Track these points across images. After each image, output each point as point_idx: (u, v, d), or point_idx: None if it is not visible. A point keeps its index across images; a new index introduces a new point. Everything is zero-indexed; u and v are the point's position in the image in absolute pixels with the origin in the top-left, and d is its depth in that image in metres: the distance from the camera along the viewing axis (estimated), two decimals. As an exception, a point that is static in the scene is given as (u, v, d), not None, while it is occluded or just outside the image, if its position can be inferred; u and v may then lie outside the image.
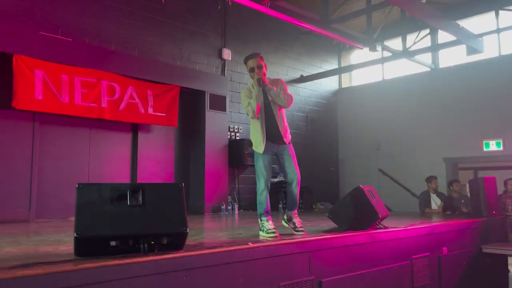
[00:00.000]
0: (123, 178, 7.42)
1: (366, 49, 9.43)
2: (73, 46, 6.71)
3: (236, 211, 8.24)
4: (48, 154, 6.68)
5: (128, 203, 2.81)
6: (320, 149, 10.86)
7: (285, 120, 4.15)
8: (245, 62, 4.08)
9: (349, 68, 11.08)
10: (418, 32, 9.33)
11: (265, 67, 4.04)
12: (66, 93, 6.47)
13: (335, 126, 11.53)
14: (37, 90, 6.18)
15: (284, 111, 4.14)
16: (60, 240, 3.75)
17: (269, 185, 4.04)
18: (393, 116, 10.29)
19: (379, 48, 8.92)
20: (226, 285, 3.04)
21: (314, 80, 10.90)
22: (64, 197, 6.50)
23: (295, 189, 4.06)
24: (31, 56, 6.17)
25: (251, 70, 4.01)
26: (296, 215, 4.13)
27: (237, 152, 8.70)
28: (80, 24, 6.94)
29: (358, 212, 4.40)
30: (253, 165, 9.57)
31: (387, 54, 10.00)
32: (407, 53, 9.20)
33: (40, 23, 6.47)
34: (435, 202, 7.87)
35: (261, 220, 4.00)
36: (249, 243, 3.32)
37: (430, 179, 7.93)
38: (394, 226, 4.74)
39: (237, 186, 8.93)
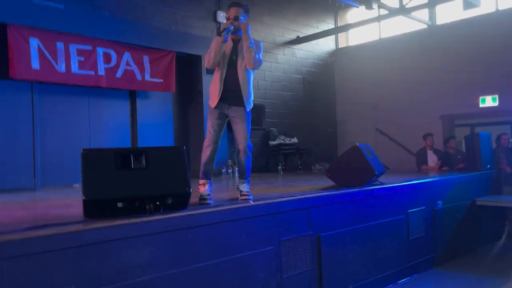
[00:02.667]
0: (124, 144, 7.52)
1: (362, 8, 9.31)
2: (66, 13, 6.62)
3: (237, 174, 8.38)
4: (49, 124, 6.75)
5: (132, 166, 2.91)
6: (318, 110, 10.91)
7: (250, 85, 3.76)
8: (228, 9, 3.77)
9: (346, 28, 10.96)
10: (415, -12, 9.17)
11: (245, 22, 3.75)
12: (63, 61, 6.46)
13: (333, 87, 11.53)
14: (33, 60, 6.17)
15: (251, 77, 3.78)
16: (68, 204, 3.89)
17: (216, 146, 3.70)
18: (390, 75, 10.28)
19: (375, 6, 8.80)
20: (230, 241, 3.19)
21: (310, 41, 10.80)
22: (67, 164, 6.63)
23: (243, 158, 3.75)
24: (25, 25, 6.12)
25: (227, 18, 3.72)
26: (244, 183, 3.74)
27: (236, 116, 8.74)
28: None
29: (355, 170, 4.53)
30: (252, 129, 9.62)
31: (384, 12, 9.87)
32: (403, 10, 9.08)
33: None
34: (432, 159, 8.02)
35: (199, 185, 3.63)
36: (250, 201, 3.46)
37: (426, 136, 8.04)
38: (390, 182, 4.89)
39: (236, 149, 9.04)
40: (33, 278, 2.23)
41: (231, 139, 8.94)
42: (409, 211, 4.96)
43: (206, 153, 3.70)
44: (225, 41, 3.62)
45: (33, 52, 6.17)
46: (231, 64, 3.69)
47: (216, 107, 3.68)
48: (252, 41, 3.72)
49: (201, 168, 3.70)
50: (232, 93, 3.67)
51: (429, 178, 5.65)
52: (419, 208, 5.12)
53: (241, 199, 3.59)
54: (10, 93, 6.33)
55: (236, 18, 3.70)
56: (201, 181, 3.66)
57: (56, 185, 6.65)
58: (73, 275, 2.38)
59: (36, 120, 6.54)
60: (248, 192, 3.68)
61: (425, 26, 9.93)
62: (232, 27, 3.66)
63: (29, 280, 2.22)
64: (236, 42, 3.75)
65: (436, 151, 8.10)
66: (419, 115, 9.70)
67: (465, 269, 5.32)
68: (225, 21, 3.76)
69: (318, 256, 3.85)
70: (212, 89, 3.73)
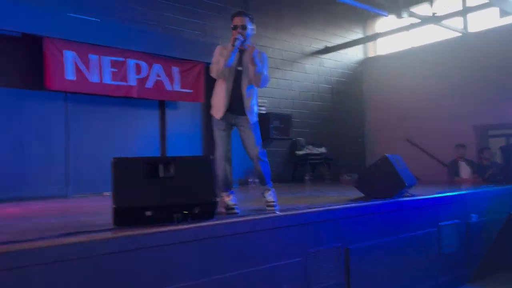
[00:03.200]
0: (154, 153, 7.63)
1: (391, 17, 9.19)
2: (100, 26, 6.83)
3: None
4: (81, 133, 6.93)
5: (161, 175, 2.95)
6: (346, 120, 10.80)
7: (255, 97, 3.77)
8: (231, 19, 3.70)
9: (374, 37, 10.84)
10: (446, -4, 9.00)
11: (252, 31, 3.71)
12: (96, 72, 6.66)
13: (362, 97, 11.40)
14: (67, 71, 6.38)
15: (256, 89, 3.78)
16: (98, 212, 3.96)
17: (229, 156, 3.68)
18: (420, 84, 10.07)
19: (405, 14, 8.67)
20: (256, 251, 3.17)
21: (339, 51, 10.74)
22: (98, 173, 6.76)
23: (258, 165, 3.72)
24: (60, 38, 6.34)
25: (234, 27, 3.64)
26: (269, 190, 3.75)
27: (263, 125, 8.63)
28: (105, 4, 7.04)
29: (385, 181, 4.44)
30: (279, 138, 9.57)
31: (414, 20, 9.71)
32: (435, 18, 8.92)
33: (67, 5, 6.60)
34: (464, 170, 7.78)
35: (222, 197, 3.59)
36: (277, 212, 3.43)
37: (458, 147, 7.83)
38: (421, 194, 4.76)
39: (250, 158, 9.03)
40: (65, 284, 2.27)
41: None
42: (441, 224, 4.80)
43: (221, 166, 3.65)
44: (235, 51, 3.58)
45: (67, 64, 6.38)
46: (236, 75, 3.67)
47: (222, 118, 3.67)
48: (259, 63, 3.64)
49: (221, 182, 3.66)
50: (237, 104, 3.67)
51: (462, 190, 5.47)
52: (451, 221, 4.96)
53: (268, 210, 3.60)
54: (45, 103, 6.56)
55: (243, 27, 3.65)
56: (224, 194, 3.65)
57: (87, 193, 6.82)
58: (101, 283, 2.41)
59: (69, 129, 6.74)
60: (274, 202, 3.66)
61: (457, 34, 9.70)
62: (242, 37, 3.60)
63: (61, 286, 2.26)
64: (241, 52, 3.70)
65: (469, 162, 7.85)
66: (451, 125, 9.43)
67: (502, 286, 5.09)
68: (231, 31, 3.68)
69: (346, 269, 3.77)
70: (216, 100, 3.71)
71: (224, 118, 3.67)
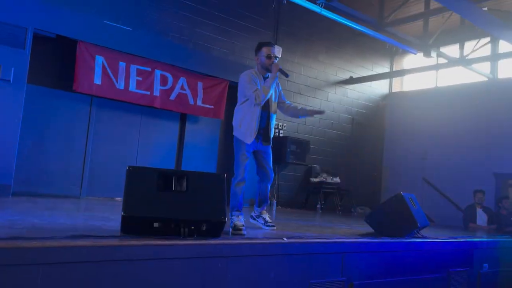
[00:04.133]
0: (169, 165, 7.71)
1: (420, 55, 9.19)
2: (132, 35, 7.02)
3: (274, 207, 8.34)
4: (101, 137, 7.06)
5: (173, 189, 2.97)
6: (364, 153, 10.72)
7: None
8: (261, 47, 3.93)
9: (401, 73, 10.84)
10: (477, 40, 8.96)
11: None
12: (123, 80, 6.81)
13: (382, 131, 11.33)
14: (96, 75, 6.55)
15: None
16: (107, 218, 4.00)
17: (246, 177, 3.83)
18: (443, 125, 9.97)
19: (434, 54, 8.67)
20: (258, 277, 3.13)
21: (364, 83, 10.76)
22: (113, 178, 6.86)
23: (267, 188, 4.03)
24: (93, 43, 6.54)
25: (268, 57, 3.87)
26: (265, 212, 4.08)
27: (280, 149, 8.78)
28: (140, 14, 7.25)
29: (397, 219, 4.36)
30: (295, 163, 9.55)
31: (441, 61, 9.69)
32: (464, 61, 8.88)
33: (105, 12, 6.83)
34: (481, 217, 7.59)
35: (231, 215, 3.68)
36: (284, 238, 3.40)
37: (477, 193, 7.65)
38: (433, 237, 4.66)
39: (277, 182, 9.01)
40: (64, 286, 2.29)
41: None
42: (451, 270, 4.67)
43: (240, 186, 3.80)
44: (275, 80, 3.90)
45: (97, 69, 6.55)
46: (266, 103, 3.89)
47: (250, 142, 3.83)
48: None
49: (235, 201, 3.80)
50: (264, 130, 3.91)
51: (476, 237, 5.33)
52: (462, 269, 4.81)
53: (270, 228, 3.90)
54: (71, 104, 6.72)
55: (276, 58, 3.99)
56: (234, 213, 3.72)
57: (100, 196, 6.89)
58: (102, 288, 2.41)
59: (90, 132, 6.88)
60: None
61: (485, 79, 9.62)
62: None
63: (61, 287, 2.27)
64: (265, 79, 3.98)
65: (486, 209, 7.66)
66: (471, 169, 9.27)
67: None
68: (280, 56, 4.08)
69: (348, 305, 3.68)
70: (245, 124, 3.84)
71: (253, 141, 3.85)
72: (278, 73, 3.87)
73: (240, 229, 3.48)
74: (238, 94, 3.97)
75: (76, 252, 2.32)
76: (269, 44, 3.95)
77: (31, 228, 2.90)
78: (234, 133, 3.89)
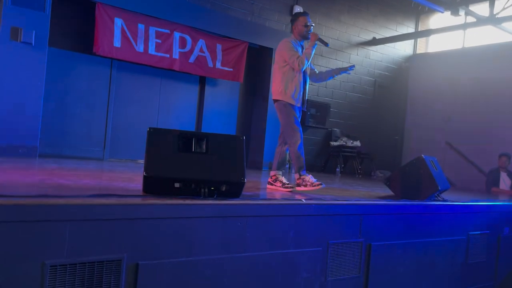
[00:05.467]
0: (189, 127, 7.78)
1: (447, 14, 8.81)
2: (150, -3, 6.93)
3: (293, 170, 8.37)
4: (122, 100, 7.14)
5: (193, 150, 3.00)
6: (386, 116, 10.55)
7: None
8: (298, 16, 4.20)
9: (427, 33, 10.44)
10: (509, -3, 8.51)
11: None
12: (142, 42, 6.79)
13: (405, 94, 11.07)
14: (115, 38, 6.54)
15: None
16: (130, 178, 4.10)
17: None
18: (469, 87, 9.65)
19: (462, 12, 8.29)
20: (278, 236, 3.20)
21: (387, 44, 10.44)
22: (135, 140, 6.98)
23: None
24: (112, 5, 6.49)
25: (306, 25, 4.14)
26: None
27: (300, 112, 8.70)
28: (158, -25, 7.12)
29: (417, 182, 4.34)
30: (315, 127, 9.52)
31: (470, 19, 9.27)
32: (494, 20, 8.48)
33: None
34: (504, 182, 7.48)
35: (300, 175, 4.07)
36: (303, 200, 3.44)
37: (501, 157, 7.51)
38: (453, 200, 4.63)
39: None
40: (90, 242, 2.38)
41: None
42: (470, 233, 4.66)
43: (302, 148, 4.12)
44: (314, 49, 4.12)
45: (116, 31, 6.53)
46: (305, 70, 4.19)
47: (297, 105, 4.12)
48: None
49: (302, 162, 4.10)
50: (303, 94, 4.21)
51: (497, 201, 5.27)
52: (482, 232, 4.80)
53: (287, 189, 4.10)
54: (92, 67, 6.77)
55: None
56: (303, 173, 4.09)
57: (122, 158, 7.05)
58: (126, 245, 2.51)
59: (111, 95, 6.95)
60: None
61: (515, 39, 9.21)
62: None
63: (87, 243, 2.37)
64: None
65: (510, 174, 7.53)
66: (496, 133, 9.04)
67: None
68: (310, 29, 4.21)
69: (366, 265, 3.74)
70: (291, 89, 4.08)
71: (298, 104, 4.14)
72: (321, 42, 4.17)
73: (319, 183, 3.95)
74: (277, 59, 4.16)
75: (100, 210, 2.41)
76: (305, 14, 4.21)
77: (58, 187, 3.01)
78: (279, 98, 4.09)
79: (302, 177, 4.05)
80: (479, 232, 4.77)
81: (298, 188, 4.03)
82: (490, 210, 4.92)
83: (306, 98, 4.26)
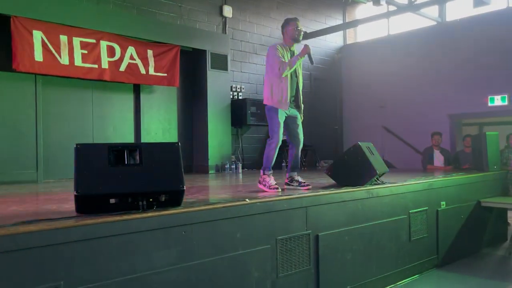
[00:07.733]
0: (127, 139, 7.51)
1: (370, 4, 9.17)
2: (70, 6, 6.61)
3: (240, 170, 8.37)
4: (52, 117, 6.76)
5: (126, 162, 2.88)
6: (324, 107, 10.82)
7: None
8: (289, 22, 4.35)
9: (354, 24, 10.81)
10: (424, -16, 9.00)
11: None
12: (66, 54, 6.45)
13: (340, 84, 11.42)
14: (36, 52, 6.17)
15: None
16: (64, 199, 3.87)
17: (280, 142, 4.26)
18: (398, 72, 10.14)
19: (383, 2, 8.65)
20: (225, 239, 3.15)
21: (318, 37, 10.68)
22: (71, 158, 6.57)
23: (300, 152, 4.48)
24: (28, 17, 6.11)
25: (296, 29, 4.29)
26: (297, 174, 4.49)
27: (240, 111, 8.71)
28: (77, -17, 6.80)
29: (356, 169, 4.46)
30: (256, 125, 9.57)
31: (392, 8, 9.72)
32: (412, 7, 8.93)
33: (36, -17, 6.35)
34: (438, 158, 7.90)
35: (263, 174, 4.21)
36: (246, 199, 3.41)
37: (434, 135, 7.92)
38: (392, 182, 4.81)
39: (240, 145, 9.01)
40: (20, 273, 2.21)
41: (234, 135, 8.90)
42: (411, 211, 4.88)
43: (275, 150, 4.23)
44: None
45: (36, 45, 6.17)
46: (294, 74, 4.32)
47: (283, 109, 4.22)
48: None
49: (269, 162, 4.23)
50: (295, 98, 4.35)
51: (432, 178, 5.55)
52: (421, 209, 5.04)
53: (305, 187, 4.26)
54: (14, 84, 6.35)
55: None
56: (266, 173, 4.21)
57: (59, 178, 6.68)
58: (62, 272, 2.35)
59: (39, 113, 6.55)
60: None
61: (434, 23, 9.77)
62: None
63: (16, 275, 2.20)
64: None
65: (443, 151, 7.97)
66: (427, 113, 9.57)
67: (468, 271, 5.23)
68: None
69: (315, 256, 3.80)
70: (278, 93, 4.19)
71: (285, 109, 4.24)
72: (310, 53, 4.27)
73: (277, 187, 4.03)
74: (266, 65, 4.33)
75: (25, 238, 2.23)
76: (296, 20, 4.38)
77: (-20, 219, 2.76)
78: (267, 102, 4.25)
79: (263, 176, 4.19)
80: (419, 210, 5.00)
81: (258, 185, 4.22)
82: (426, 187, 5.17)
83: (301, 103, 4.41)
